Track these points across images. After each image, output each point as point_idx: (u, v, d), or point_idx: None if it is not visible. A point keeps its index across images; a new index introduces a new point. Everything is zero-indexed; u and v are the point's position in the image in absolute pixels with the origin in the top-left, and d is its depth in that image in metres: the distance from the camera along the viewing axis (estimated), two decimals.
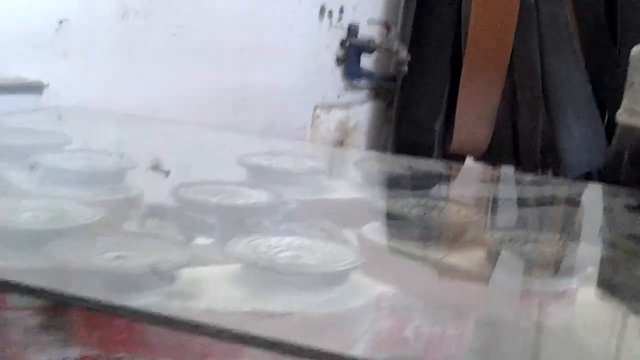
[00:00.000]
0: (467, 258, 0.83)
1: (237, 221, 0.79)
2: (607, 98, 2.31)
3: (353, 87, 2.17)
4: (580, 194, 1.32)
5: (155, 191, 0.91)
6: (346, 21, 2.10)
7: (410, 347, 0.63)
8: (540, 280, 0.84)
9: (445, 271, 0.80)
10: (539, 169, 2.22)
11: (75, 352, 0.67)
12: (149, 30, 1.62)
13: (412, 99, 2.22)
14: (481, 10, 2.17)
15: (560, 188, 1.41)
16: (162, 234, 0.75)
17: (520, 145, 2.23)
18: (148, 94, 1.63)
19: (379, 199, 1.10)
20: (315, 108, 2.07)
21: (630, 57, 1.07)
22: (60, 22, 1.47)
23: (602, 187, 1.23)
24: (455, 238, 0.89)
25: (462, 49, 2.19)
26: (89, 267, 0.60)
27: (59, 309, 0.66)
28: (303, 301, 0.61)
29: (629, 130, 1.03)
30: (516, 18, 2.16)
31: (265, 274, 0.63)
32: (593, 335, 0.92)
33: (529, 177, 1.47)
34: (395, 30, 2.13)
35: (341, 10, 2.09)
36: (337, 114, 2.13)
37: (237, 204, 0.83)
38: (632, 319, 0.90)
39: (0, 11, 1.36)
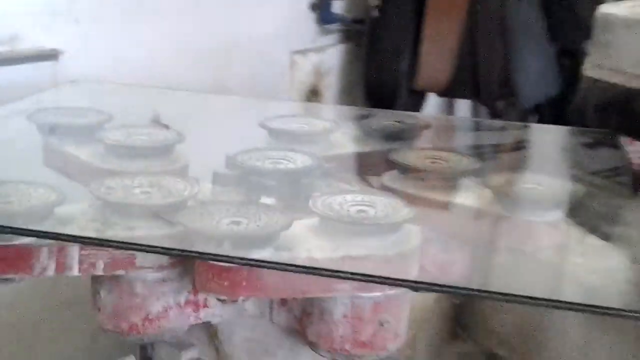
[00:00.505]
0: (480, 198, 1.02)
1: (294, 182, 0.97)
2: (557, 30, 2.50)
3: (326, 32, 2.32)
4: (544, 137, 1.52)
5: (211, 160, 1.08)
6: None
7: (443, 273, 0.84)
8: (532, 212, 1.03)
9: (464, 211, 1.00)
10: (497, 101, 2.41)
11: (183, 298, 0.86)
12: None
13: (379, 41, 2.38)
14: None
15: (527, 132, 1.61)
16: (236, 199, 0.92)
17: (479, 80, 2.41)
18: (150, 53, 1.78)
19: (385, 151, 1.28)
20: (292, 53, 2.22)
21: (596, 17, 1.25)
22: None
23: (564, 128, 1.43)
24: (465, 183, 1.08)
25: None
26: (214, 232, 0.77)
27: (175, 265, 0.83)
28: (376, 245, 0.80)
29: (593, 82, 1.21)
30: None
31: (342, 225, 0.81)
32: (563, 256, 1.15)
33: (496, 123, 1.67)
34: None
35: None
36: (313, 58, 2.28)
37: (291, 168, 1.00)
38: (595, 242, 1.11)
39: None
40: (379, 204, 0.86)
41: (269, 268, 0.73)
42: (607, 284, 1.01)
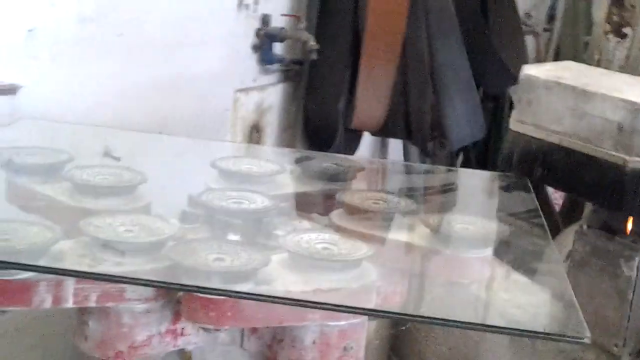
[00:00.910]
0: (418, 236, 1.14)
1: (257, 220, 1.07)
2: (481, 76, 2.66)
3: (267, 71, 2.43)
4: (468, 180, 1.67)
5: (171, 198, 1.17)
6: (260, 12, 2.35)
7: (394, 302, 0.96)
8: (465, 248, 1.16)
9: (406, 248, 1.12)
10: (428, 142, 2.55)
11: (164, 327, 0.95)
12: (100, 34, 1.84)
13: (318, 82, 2.50)
14: (375, 3, 2.46)
15: (453, 175, 1.76)
16: (204, 235, 1.01)
17: (411, 121, 2.55)
18: (102, 89, 1.86)
19: (327, 191, 1.39)
20: (235, 92, 2.32)
21: (520, 78, 1.38)
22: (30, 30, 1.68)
23: (484, 172, 1.58)
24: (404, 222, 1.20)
25: (361, 38, 2.48)
26: (200, 267, 0.87)
27: (158, 298, 0.93)
28: (340, 279, 0.91)
29: (518, 135, 1.35)
30: (407, 9, 2.46)
31: (311, 262, 0.93)
32: (490, 289, 1.28)
33: (425, 166, 1.81)
34: (304, 22, 2.39)
35: (256, 2, 2.33)
36: (255, 96, 2.39)
37: (253, 207, 1.10)
38: (517, 277, 1.24)
39: None
40: (340, 243, 0.97)
41: (256, 300, 0.84)
42: (529, 318, 1.15)
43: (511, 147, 1.35)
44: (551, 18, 4.14)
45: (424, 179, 1.64)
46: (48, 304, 0.89)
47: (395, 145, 2.85)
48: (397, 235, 1.15)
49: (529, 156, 1.32)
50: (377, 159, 2.70)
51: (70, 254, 0.90)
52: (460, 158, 2.92)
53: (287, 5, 2.45)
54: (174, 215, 1.06)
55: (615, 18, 1.39)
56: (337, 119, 2.52)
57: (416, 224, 1.19)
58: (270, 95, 2.46)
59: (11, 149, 1.30)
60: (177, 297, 0.91)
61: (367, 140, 2.70)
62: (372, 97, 2.52)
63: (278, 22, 2.40)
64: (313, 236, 0.98)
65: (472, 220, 1.22)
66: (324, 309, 0.84)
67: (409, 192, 1.44)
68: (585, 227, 1.36)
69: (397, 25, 2.49)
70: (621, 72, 1.42)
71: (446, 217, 1.23)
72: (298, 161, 1.56)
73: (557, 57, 4.11)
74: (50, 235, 0.90)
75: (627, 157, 1.20)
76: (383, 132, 2.61)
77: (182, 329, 0.96)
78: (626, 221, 1.30)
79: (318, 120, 2.53)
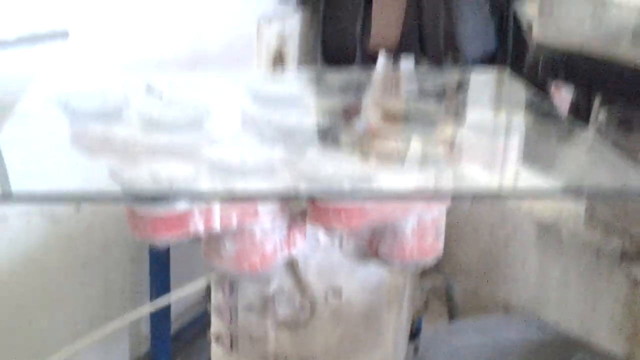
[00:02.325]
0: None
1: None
2: None
3: (285, 1, 2.54)
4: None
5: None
6: None
7: None
8: None
9: None
10: (442, 57, 2.67)
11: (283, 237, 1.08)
12: None
13: (335, 8, 2.61)
14: None
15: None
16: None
17: (426, 38, 2.66)
18: (140, 26, 1.97)
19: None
20: (259, 21, 2.43)
21: None
22: None
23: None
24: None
25: None
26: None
27: (281, 211, 1.05)
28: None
29: (542, 45, 1.47)
30: None
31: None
32: None
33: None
34: None
35: None
36: (276, 26, 2.50)
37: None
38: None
39: None
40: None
41: (380, 199, 1.00)
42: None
43: (536, 55, 1.47)
44: None
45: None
46: (201, 230, 1.00)
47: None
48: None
49: (553, 61, 1.45)
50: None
51: (200, 182, 0.99)
52: None
53: None
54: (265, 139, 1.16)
55: None
56: (354, 43, 2.63)
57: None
58: (290, 25, 2.57)
59: (67, 94, 1.30)
60: (296, 209, 1.05)
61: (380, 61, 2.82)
62: (387, 17, 2.63)
63: None
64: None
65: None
66: (436, 197, 1.04)
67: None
68: (604, 125, 1.49)
69: None
70: None
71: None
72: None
73: None
74: (191, 171, 0.99)
75: None
76: (399, 50, 2.72)
77: (295, 238, 1.09)
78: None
79: (336, 45, 2.65)
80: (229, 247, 1.04)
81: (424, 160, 1.12)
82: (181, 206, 0.98)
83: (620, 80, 1.35)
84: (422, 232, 1.09)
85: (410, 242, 1.08)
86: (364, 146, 1.20)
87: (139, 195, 0.98)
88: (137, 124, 1.18)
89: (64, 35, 1.78)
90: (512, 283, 1.78)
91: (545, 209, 1.69)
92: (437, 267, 1.93)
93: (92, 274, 2.00)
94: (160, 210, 0.97)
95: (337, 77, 1.67)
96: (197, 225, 1.00)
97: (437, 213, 1.09)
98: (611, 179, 1.13)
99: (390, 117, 1.29)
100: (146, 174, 0.98)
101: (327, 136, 1.21)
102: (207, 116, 1.21)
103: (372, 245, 1.12)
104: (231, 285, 1.14)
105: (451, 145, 1.20)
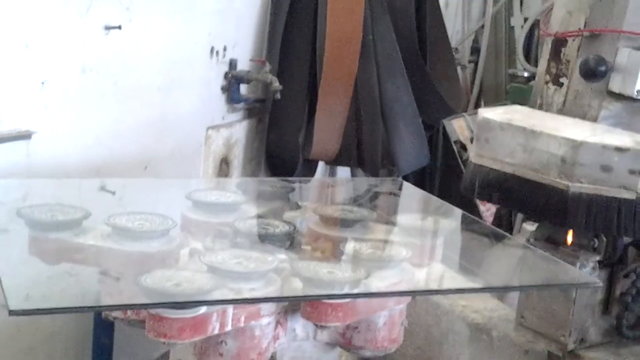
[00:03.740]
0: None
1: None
2: (420, 108, 2.97)
3: (234, 110, 2.69)
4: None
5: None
6: (229, 57, 2.61)
7: None
8: None
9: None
10: (378, 170, 2.84)
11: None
12: (99, 83, 2.07)
13: (280, 118, 2.77)
14: (330, 48, 2.74)
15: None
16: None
17: (364, 152, 2.84)
18: (98, 130, 2.09)
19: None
20: (207, 129, 2.57)
21: (477, 119, 1.66)
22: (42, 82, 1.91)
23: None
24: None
25: (318, 78, 2.76)
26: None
27: (276, 310, 1.18)
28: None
29: (478, 167, 1.64)
30: (358, 54, 2.76)
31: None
32: None
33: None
34: (269, 65, 2.66)
35: (224, 49, 2.59)
36: (223, 132, 2.64)
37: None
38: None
39: None
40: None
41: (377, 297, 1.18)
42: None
43: (472, 177, 1.63)
44: (475, 50, 4.50)
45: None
46: (216, 330, 1.12)
47: (344, 173, 3.15)
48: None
49: (488, 184, 1.61)
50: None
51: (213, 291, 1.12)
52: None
53: (251, 50, 2.72)
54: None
55: (553, 70, 1.70)
56: (297, 151, 2.79)
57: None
58: (237, 131, 2.72)
59: (33, 207, 1.40)
60: (287, 306, 1.19)
61: (319, 169, 2.99)
62: (328, 131, 2.80)
63: (244, 65, 2.67)
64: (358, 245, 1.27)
65: None
66: (413, 294, 1.34)
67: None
68: (532, 240, 1.65)
69: (350, 68, 2.78)
70: (559, 114, 1.72)
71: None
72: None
73: (482, 87, 4.47)
74: (211, 281, 1.13)
75: (569, 183, 1.49)
76: (338, 161, 2.89)
77: (279, 333, 1.23)
78: (566, 235, 1.59)
79: (280, 152, 2.80)
80: (230, 346, 1.17)
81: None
82: (202, 311, 1.11)
83: (550, 201, 1.52)
84: (392, 324, 1.27)
85: (382, 333, 1.26)
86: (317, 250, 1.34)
87: (172, 301, 1.09)
88: (102, 234, 1.29)
89: (26, 136, 1.88)
90: None
91: (477, 311, 1.84)
92: None
93: None
94: (187, 315, 1.09)
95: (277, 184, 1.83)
96: (214, 326, 1.12)
97: (402, 306, 1.28)
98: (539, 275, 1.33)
99: (327, 221, 1.45)
100: (166, 281, 1.10)
101: (285, 240, 1.35)
102: (172, 225, 1.34)
103: (345, 336, 1.27)
104: None
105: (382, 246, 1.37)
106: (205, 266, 1.18)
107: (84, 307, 1.13)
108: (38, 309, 1.07)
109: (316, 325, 1.23)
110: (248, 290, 1.13)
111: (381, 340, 1.28)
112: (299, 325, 1.25)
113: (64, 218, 1.33)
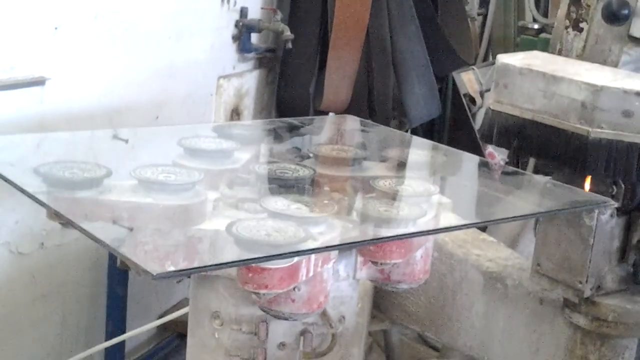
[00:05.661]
0: None
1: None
2: (432, 58, 2.95)
3: (245, 59, 2.67)
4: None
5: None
6: (239, 5, 2.58)
7: None
8: None
9: None
10: (389, 122, 2.83)
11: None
12: (110, 29, 2.06)
13: (291, 68, 2.76)
14: None
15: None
16: None
17: (374, 103, 2.82)
18: (110, 77, 2.07)
19: None
20: (218, 78, 2.55)
21: (496, 65, 1.65)
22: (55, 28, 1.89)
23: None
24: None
25: (329, 28, 2.74)
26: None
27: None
28: None
29: (497, 113, 1.62)
30: (370, 3, 2.73)
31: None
32: None
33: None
34: (280, 14, 2.63)
35: None
36: (234, 82, 2.62)
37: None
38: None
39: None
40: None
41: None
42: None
43: (491, 123, 1.62)
44: (484, 2, 4.46)
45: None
46: (304, 277, 1.16)
47: None
48: None
49: (507, 130, 1.60)
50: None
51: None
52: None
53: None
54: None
55: (573, 15, 1.68)
56: (307, 102, 2.78)
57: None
58: (248, 81, 2.70)
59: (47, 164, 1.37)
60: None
61: None
62: (339, 81, 2.79)
63: (254, 14, 2.64)
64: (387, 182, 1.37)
65: None
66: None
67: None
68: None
69: (361, 17, 2.76)
70: (578, 60, 1.71)
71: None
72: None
73: (491, 39, 4.44)
74: (293, 228, 1.15)
75: (589, 129, 1.48)
76: (348, 112, 2.87)
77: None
78: (584, 182, 1.58)
79: (290, 103, 2.79)
80: (302, 291, 1.20)
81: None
82: (296, 259, 1.14)
83: (569, 147, 1.51)
84: (427, 256, 1.33)
85: (419, 265, 1.31)
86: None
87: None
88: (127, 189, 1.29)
89: (40, 82, 1.87)
90: (458, 329, 1.89)
91: (492, 260, 1.84)
92: (387, 315, 2.05)
93: (50, 308, 2.06)
94: (285, 264, 1.12)
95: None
96: (303, 273, 1.16)
97: (432, 241, 1.35)
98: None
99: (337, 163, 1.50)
100: (257, 231, 1.12)
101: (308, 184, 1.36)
102: (199, 177, 1.33)
103: (384, 272, 1.31)
104: (267, 328, 1.28)
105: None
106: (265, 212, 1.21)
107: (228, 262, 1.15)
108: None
109: (375, 264, 1.26)
110: (318, 234, 1.16)
111: (418, 273, 1.33)
112: (342, 266, 1.29)
113: (88, 175, 1.31)
